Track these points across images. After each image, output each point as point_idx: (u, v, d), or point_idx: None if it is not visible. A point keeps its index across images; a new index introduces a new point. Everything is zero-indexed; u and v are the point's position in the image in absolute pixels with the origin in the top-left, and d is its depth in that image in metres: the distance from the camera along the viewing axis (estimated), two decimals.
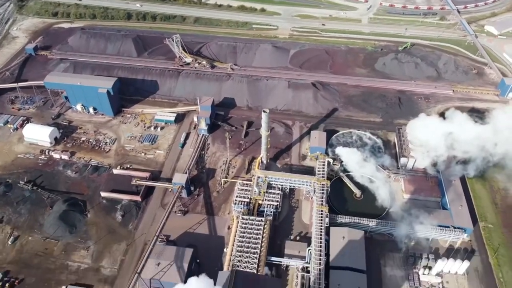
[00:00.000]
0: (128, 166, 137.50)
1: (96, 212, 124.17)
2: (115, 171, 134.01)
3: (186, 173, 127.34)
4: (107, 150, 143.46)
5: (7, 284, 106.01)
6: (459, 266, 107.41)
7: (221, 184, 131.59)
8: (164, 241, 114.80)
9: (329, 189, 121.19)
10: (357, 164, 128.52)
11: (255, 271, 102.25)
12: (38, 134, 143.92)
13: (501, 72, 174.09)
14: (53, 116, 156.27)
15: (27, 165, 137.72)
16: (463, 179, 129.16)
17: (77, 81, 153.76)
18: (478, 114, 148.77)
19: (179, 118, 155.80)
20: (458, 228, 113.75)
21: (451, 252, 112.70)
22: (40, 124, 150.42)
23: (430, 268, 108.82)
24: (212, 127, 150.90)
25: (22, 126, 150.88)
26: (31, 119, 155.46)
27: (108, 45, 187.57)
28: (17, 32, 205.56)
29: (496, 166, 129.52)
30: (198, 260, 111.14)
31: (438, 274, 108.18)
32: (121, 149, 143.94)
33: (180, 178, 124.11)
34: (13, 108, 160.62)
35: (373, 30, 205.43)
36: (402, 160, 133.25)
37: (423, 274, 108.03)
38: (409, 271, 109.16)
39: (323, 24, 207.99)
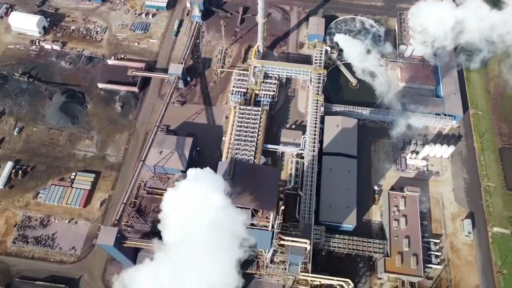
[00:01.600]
0: (122, 56, 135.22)
1: (95, 103, 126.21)
2: (109, 62, 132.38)
3: (181, 63, 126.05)
4: (99, 39, 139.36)
5: (20, 171, 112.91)
6: (444, 151, 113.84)
7: (218, 74, 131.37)
8: (165, 130, 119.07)
9: (325, 78, 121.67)
10: (355, 52, 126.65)
11: (252, 158, 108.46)
12: (25, 23, 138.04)
13: None
14: (37, 3, 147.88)
15: (19, 56, 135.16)
16: (459, 66, 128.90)
17: None
18: None
19: (171, 3, 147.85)
20: (449, 115, 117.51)
21: (439, 138, 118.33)
22: (25, 12, 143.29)
23: (417, 152, 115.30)
24: (206, 14, 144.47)
25: (6, 14, 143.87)
26: (15, 6, 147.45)
27: None
28: None
29: (497, 55, 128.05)
30: (198, 148, 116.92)
31: (424, 158, 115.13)
32: (113, 39, 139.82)
33: (176, 69, 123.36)
34: None
35: None
36: (401, 48, 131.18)
37: (410, 158, 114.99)
38: (398, 156, 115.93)
39: None
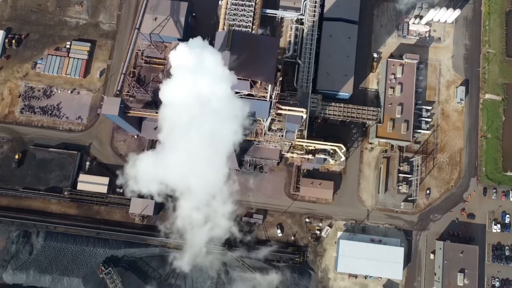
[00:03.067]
0: None
1: None
2: None
3: None
4: None
5: (13, 41, 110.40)
6: (450, 15, 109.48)
7: None
8: None
9: None
10: None
11: (250, 25, 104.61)
12: None
13: None
14: None
15: None
16: None
17: None
18: None
19: None
20: None
21: (445, 1, 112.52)
22: None
23: (421, 17, 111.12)
24: None
25: None
26: None
27: None
28: None
29: None
30: (194, 14, 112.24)
31: (427, 23, 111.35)
32: None
33: None
34: None
35: None
36: None
37: (413, 23, 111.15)
38: (400, 21, 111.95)
39: None
